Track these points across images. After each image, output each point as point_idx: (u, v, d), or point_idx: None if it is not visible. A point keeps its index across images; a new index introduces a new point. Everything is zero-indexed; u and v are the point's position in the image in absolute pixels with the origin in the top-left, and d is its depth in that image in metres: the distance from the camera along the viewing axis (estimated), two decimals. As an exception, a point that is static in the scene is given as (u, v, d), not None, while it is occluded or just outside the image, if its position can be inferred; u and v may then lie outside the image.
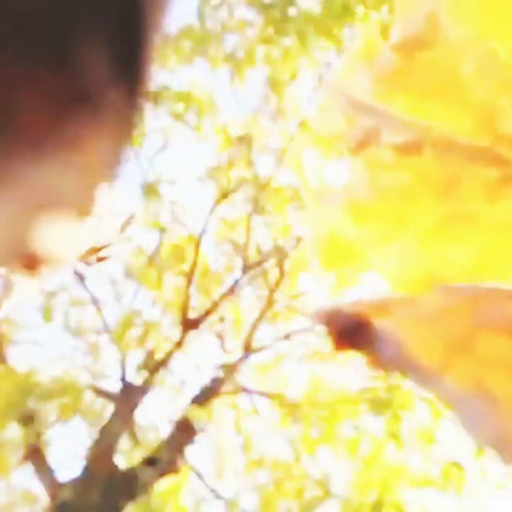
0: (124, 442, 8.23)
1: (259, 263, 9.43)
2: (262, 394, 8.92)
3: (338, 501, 8.05)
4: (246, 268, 9.29)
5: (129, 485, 7.20)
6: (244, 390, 8.79)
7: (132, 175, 8.69)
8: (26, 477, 8.02)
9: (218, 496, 8.41)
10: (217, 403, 8.83)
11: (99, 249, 2.14)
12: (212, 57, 7.58)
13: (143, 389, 8.37)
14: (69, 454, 8.59)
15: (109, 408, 8.39)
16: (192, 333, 8.99)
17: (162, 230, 9.48)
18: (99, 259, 2.24)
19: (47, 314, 9.82)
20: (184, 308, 8.73)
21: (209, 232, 9.52)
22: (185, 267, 9.44)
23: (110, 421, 7.86)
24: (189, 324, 8.76)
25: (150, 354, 8.96)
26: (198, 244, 8.94)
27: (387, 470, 7.92)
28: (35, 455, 7.66)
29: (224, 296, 9.29)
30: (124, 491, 7.15)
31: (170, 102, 8.04)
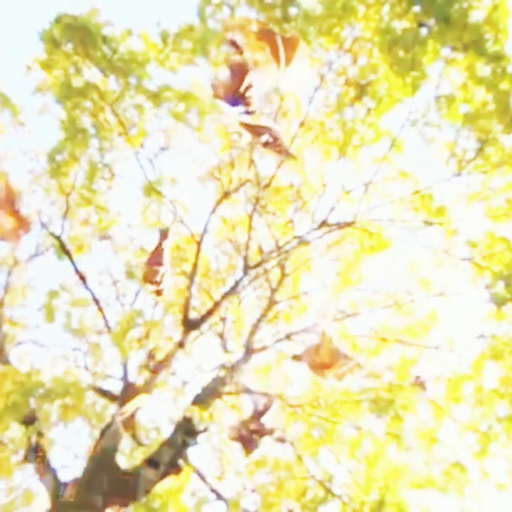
0: (125, 443, 8.23)
1: (260, 263, 9.42)
2: (264, 394, 8.90)
3: (339, 501, 8.05)
4: (247, 268, 9.28)
5: (131, 485, 7.20)
6: (246, 390, 8.77)
7: (133, 175, 8.70)
8: (28, 477, 8.03)
9: (220, 497, 8.40)
10: (219, 403, 8.82)
11: None
12: (212, 57, 7.57)
13: (144, 389, 8.36)
14: (70, 454, 8.60)
15: (111, 408, 8.39)
16: (193, 334, 8.99)
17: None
18: None
19: (49, 315, 9.83)
20: (185, 309, 8.72)
21: (210, 232, 9.54)
22: (187, 267, 9.44)
23: (112, 421, 7.84)
24: (190, 324, 8.76)
25: (151, 354, 8.95)
26: (199, 245, 8.93)
27: (389, 470, 7.90)
28: (36, 455, 7.66)
29: (225, 296, 9.27)
30: (126, 492, 7.14)
31: (171, 102, 8.04)
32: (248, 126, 3.38)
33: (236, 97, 3.33)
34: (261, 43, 2.97)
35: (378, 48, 6.97)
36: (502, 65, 6.51)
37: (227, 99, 3.38)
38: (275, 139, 3.27)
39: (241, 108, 3.42)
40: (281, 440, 6.55)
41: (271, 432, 5.89)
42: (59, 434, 8.06)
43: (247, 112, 3.41)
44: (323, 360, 5.16)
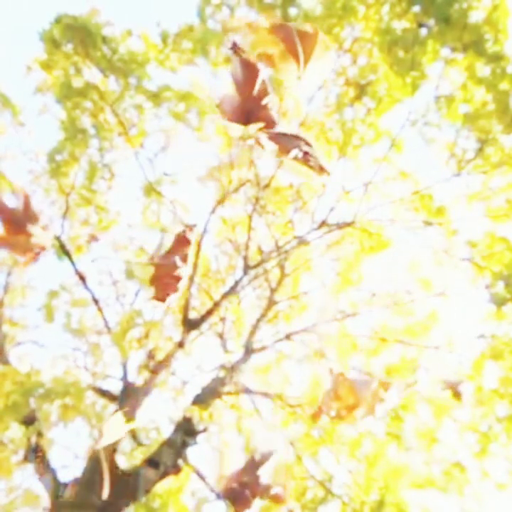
0: (125, 443, 8.22)
1: (260, 263, 9.42)
2: (263, 394, 8.91)
3: (339, 501, 8.05)
4: (247, 268, 9.28)
5: (131, 485, 7.20)
6: (246, 390, 8.77)
7: (133, 175, 8.70)
8: (28, 477, 8.03)
9: (220, 497, 8.40)
10: (219, 403, 8.82)
11: None
12: (212, 57, 7.57)
13: (144, 389, 8.36)
14: (70, 454, 8.60)
15: (111, 408, 8.39)
16: (193, 334, 8.98)
17: (163, 230, 9.47)
18: None
19: (49, 315, 9.83)
20: (185, 309, 8.72)
21: (210, 232, 9.53)
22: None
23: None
24: (190, 324, 8.75)
25: (151, 354, 8.95)
26: (199, 245, 8.93)
27: (389, 470, 7.90)
28: (36, 455, 7.66)
29: (225, 296, 9.27)
30: (126, 492, 7.14)
31: (171, 102, 8.04)
32: (275, 138, 2.81)
33: (249, 107, 2.85)
34: (274, 38, 2.58)
35: (378, 48, 6.98)
36: (502, 65, 6.51)
37: (238, 114, 2.89)
38: (305, 152, 2.75)
39: (259, 121, 2.88)
40: (279, 500, 5.32)
41: (267, 488, 4.90)
42: (59, 434, 8.07)
43: (268, 124, 2.87)
44: (347, 403, 4.42)
